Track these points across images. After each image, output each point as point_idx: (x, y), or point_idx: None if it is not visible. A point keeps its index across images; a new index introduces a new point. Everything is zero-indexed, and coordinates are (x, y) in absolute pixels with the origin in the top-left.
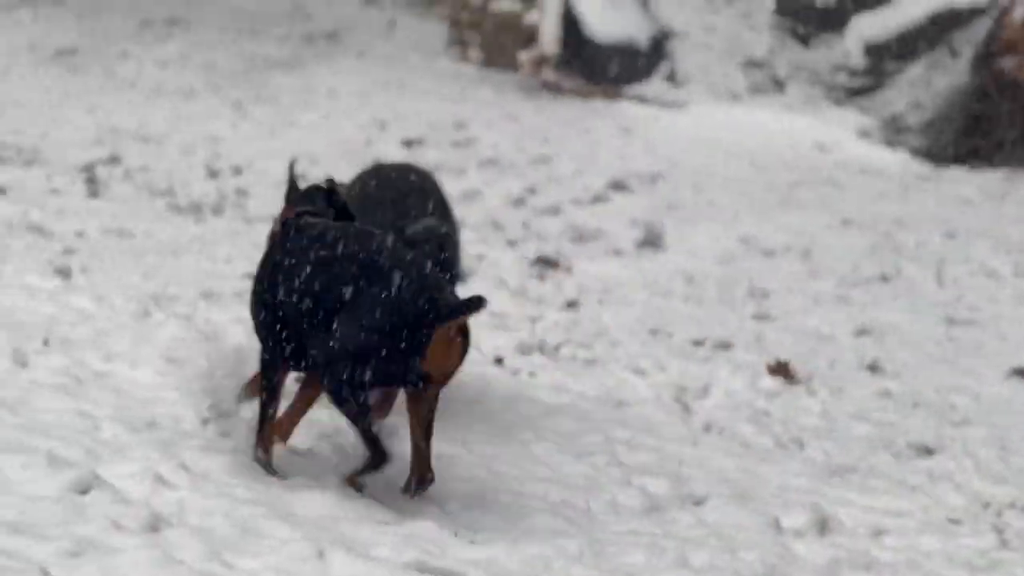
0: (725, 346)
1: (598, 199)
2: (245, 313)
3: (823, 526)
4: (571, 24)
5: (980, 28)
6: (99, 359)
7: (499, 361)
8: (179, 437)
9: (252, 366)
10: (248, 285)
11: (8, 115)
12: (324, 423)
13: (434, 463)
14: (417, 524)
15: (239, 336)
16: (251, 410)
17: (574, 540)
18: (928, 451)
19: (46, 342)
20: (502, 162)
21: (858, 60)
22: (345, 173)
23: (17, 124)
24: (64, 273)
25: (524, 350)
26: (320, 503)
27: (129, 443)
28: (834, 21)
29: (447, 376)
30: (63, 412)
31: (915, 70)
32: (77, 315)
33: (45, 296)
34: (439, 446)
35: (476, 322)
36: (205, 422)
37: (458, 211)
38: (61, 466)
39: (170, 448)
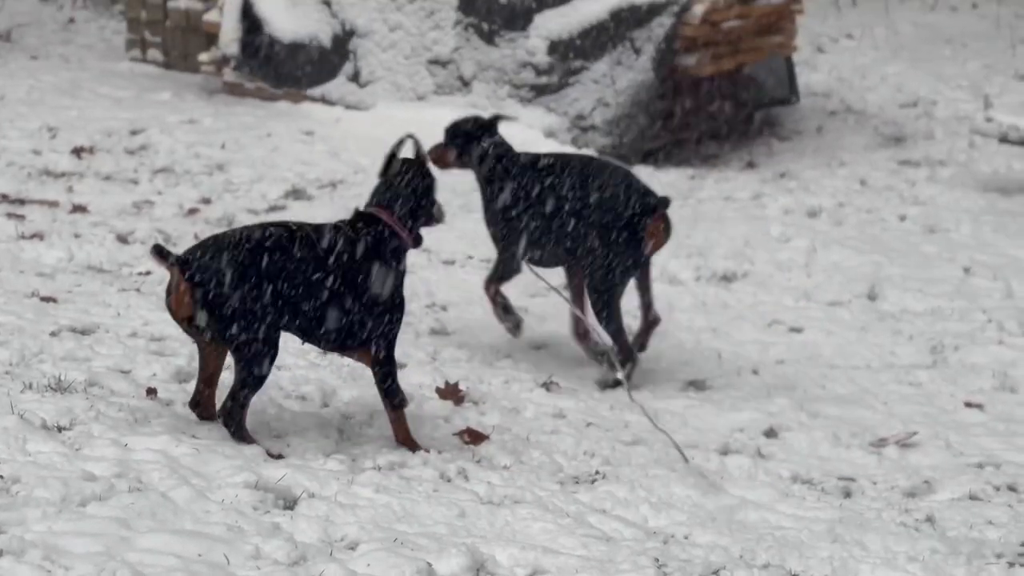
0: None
1: (274, 208)
2: None
3: (479, 569)
4: (253, 23)
5: (661, 24)
6: None
7: (151, 392)
8: None
9: None
10: None
11: None
12: None
13: None
14: None
15: None
16: None
17: None
18: (594, 477)
19: None
20: (177, 170)
21: (543, 58)
22: (7, 187)
23: None
24: None
25: (182, 378)
26: None
27: None
28: (519, 18)
29: None
30: None
31: (599, 68)
32: None
33: None
34: None
35: (134, 348)
36: None
37: (126, 224)
38: None
39: None
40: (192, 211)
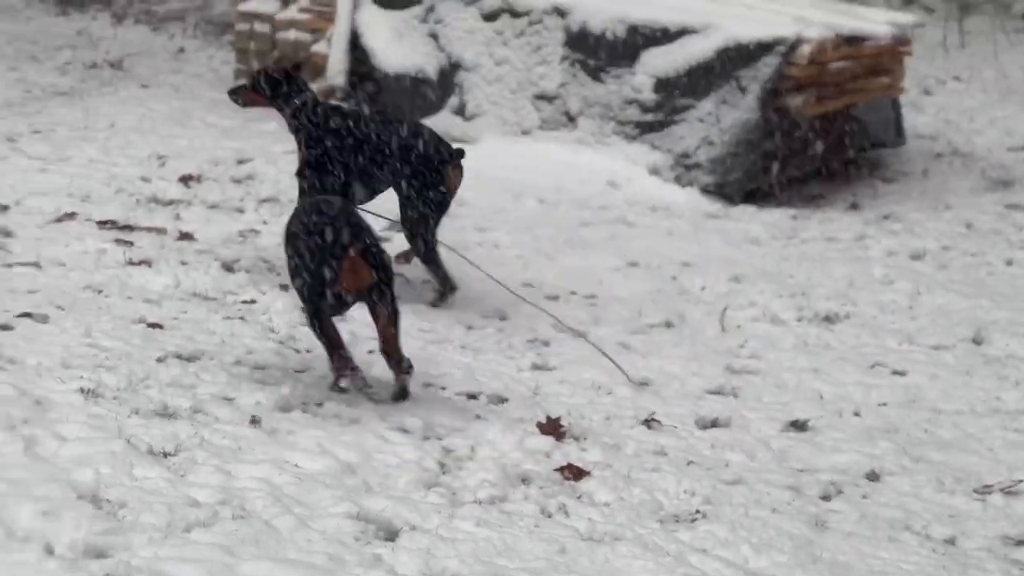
0: (499, 400)
1: (381, 240)
2: None
3: None
4: (360, 55)
5: (768, 64)
6: None
7: (255, 421)
8: None
9: None
10: None
11: None
12: None
13: None
14: None
15: None
16: None
17: None
18: (695, 516)
19: None
20: (282, 200)
21: (648, 95)
22: (116, 213)
23: None
24: None
25: (284, 407)
26: None
27: None
28: (625, 55)
29: None
30: None
31: (705, 106)
32: None
33: None
34: None
35: (238, 375)
36: None
37: (232, 252)
38: None
39: None
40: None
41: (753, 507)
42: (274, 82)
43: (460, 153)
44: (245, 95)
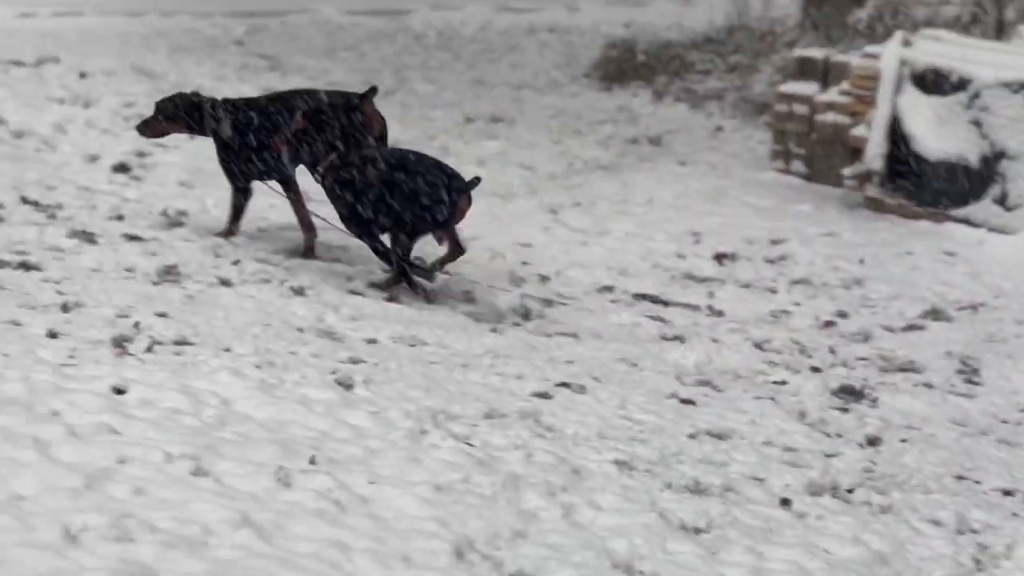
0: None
1: (912, 327)
2: (526, 436)
3: None
4: (898, 140)
5: None
6: (364, 482)
7: (785, 503)
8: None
9: (527, 498)
10: (538, 406)
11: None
12: None
13: None
14: None
15: (517, 464)
16: None
17: None
18: None
19: (313, 460)
20: (814, 282)
21: None
22: (652, 286)
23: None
24: (345, 385)
25: (814, 491)
26: None
27: None
28: None
29: None
30: (317, 541)
31: None
32: (351, 431)
33: (322, 409)
34: None
35: (767, 456)
36: (460, 558)
37: (762, 332)
38: None
39: None
40: (828, 324)
41: None
42: (190, 107)
43: (373, 91)
44: (153, 127)
